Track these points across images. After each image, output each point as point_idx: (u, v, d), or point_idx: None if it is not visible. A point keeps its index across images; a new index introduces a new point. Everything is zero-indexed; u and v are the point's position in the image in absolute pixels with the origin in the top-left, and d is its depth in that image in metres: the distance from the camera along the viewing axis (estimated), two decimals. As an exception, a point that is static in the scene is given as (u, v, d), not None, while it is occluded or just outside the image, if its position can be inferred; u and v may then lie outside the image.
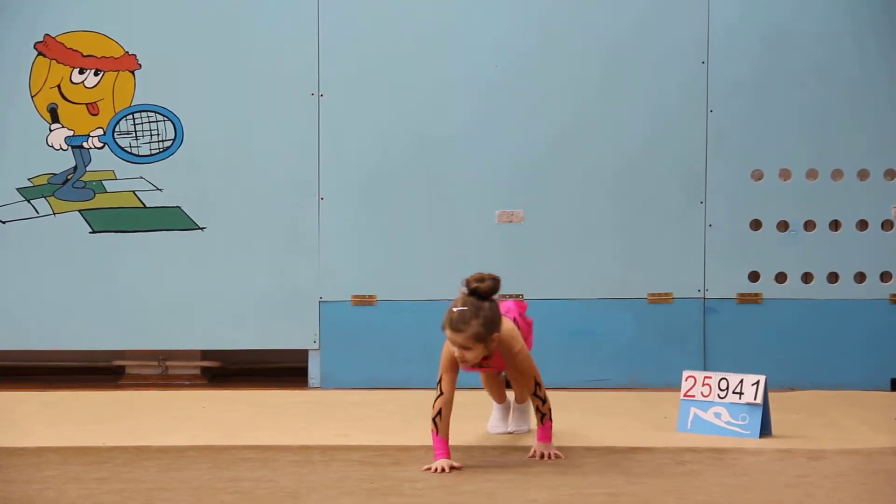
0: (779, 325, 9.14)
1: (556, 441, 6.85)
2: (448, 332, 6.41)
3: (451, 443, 6.55)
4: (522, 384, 6.75)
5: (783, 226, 9.18)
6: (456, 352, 6.40)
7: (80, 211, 9.15)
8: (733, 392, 7.40)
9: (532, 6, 9.13)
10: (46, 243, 9.14)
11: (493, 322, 6.44)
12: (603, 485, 6.12)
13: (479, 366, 6.64)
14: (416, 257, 9.16)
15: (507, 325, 6.58)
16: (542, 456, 6.38)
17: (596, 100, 9.13)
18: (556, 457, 6.41)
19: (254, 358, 9.67)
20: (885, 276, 9.15)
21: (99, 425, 7.72)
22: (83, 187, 9.13)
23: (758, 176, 9.16)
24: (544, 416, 6.47)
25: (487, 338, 6.42)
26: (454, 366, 6.50)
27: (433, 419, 6.49)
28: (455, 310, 6.38)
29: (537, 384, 6.52)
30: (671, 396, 8.25)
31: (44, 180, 9.13)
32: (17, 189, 9.13)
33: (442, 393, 6.49)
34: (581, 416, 8.00)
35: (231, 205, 9.16)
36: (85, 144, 9.12)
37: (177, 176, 9.14)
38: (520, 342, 6.61)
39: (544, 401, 6.47)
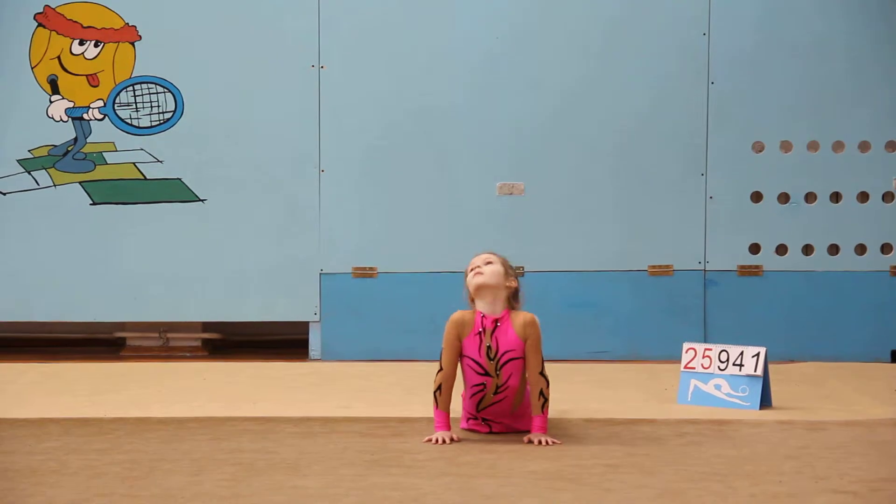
0: (779, 297, 9.15)
1: (556, 413, 6.87)
2: (474, 259, 6.56)
3: (452, 415, 6.56)
4: (532, 363, 6.59)
5: (784, 198, 9.18)
6: (478, 268, 6.50)
7: (80, 182, 9.14)
8: (733, 364, 7.40)
9: (533, -23, 9.13)
10: (47, 215, 9.14)
11: (514, 272, 6.60)
12: (603, 456, 6.13)
13: (494, 397, 6.53)
14: (416, 229, 9.16)
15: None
16: (538, 443, 6.37)
17: (597, 72, 9.12)
18: (553, 444, 6.39)
19: (254, 330, 9.68)
20: (885, 248, 9.15)
21: (100, 396, 7.73)
22: (83, 159, 9.13)
23: (759, 148, 9.16)
24: (545, 402, 6.43)
25: (508, 268, 6.55)
26: (455, 343, 6.49)
27: (434, 393, 6.50)
28: None
29: (543, 364, 6.49)
30: (672, 368, 8.26)
31: (44, 152, 9.12)
32: (18, 160, 9.12)
33: (442, 368, 6.50)
34: (582, 388, 8.01)
35: (231, 177, 9.16)
36: (85, 116, 9.11)
37: (177, 148, 9.14)
38: (537, 326, 6.53)
39: (548, 383, 6.45)
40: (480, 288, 6.49)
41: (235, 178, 9.15)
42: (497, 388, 6.47)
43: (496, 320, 6.45)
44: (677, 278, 9.16)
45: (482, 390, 6.49)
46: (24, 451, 6.21)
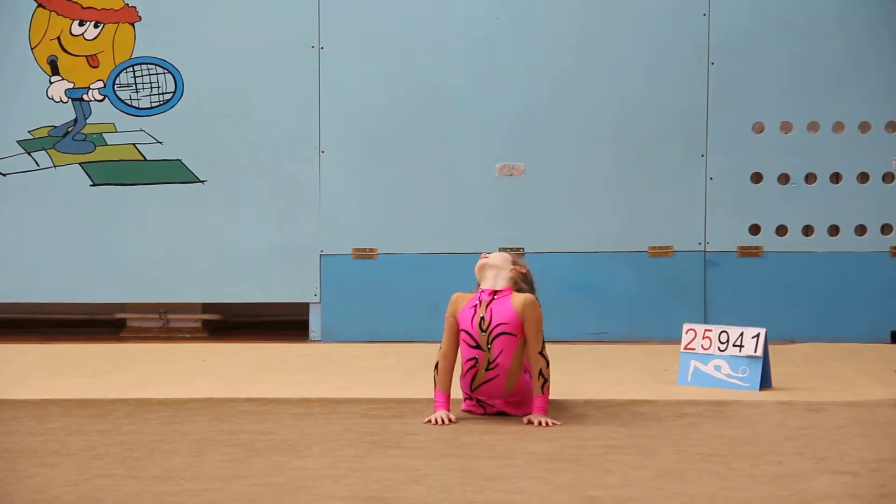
0: (779, 278, 9.15)
1: (556, 394, 6.87)
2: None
3: (454, 397, 6.58)
4: (532, 343, 6.61)
5: (784, 179, 9.17)
6: (486, 254, 6.70)
7: (80, 163, 9.14)
8: (733, 345, 7.40)
9: (533, -42, 9.11)
10: (47, 196, 9.14)
11: (524, 264, 6.74)
12: (603, 437, 6.14)
13: (486, 374, 6.55)
14: (416, 210, 9.16)
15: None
16: (538, 423, 6.38)
17: (597, 53, 9.11)
18: (553, 425, 6.40)
19: (254, 311, 9.68)
20: (885, 229, 9.15)
21: (100, 378, 7.74)
22: (83, 140, 9.12)
23: (759, 129, 9.15)
24: (545, 382, 6.45)
25: (518, 259, 6.70)
26: (451, 320, 6.54)
27: (433, 371, 6.54)
28: None
29: (544, 344, 6.50)
30: (671, 349, 8.26)
31: (44, 133, 9.11)
32: (18, 141, 9.11)
33: (441, 348, 6.55)
34: (582, 369, 8.01)
35: (231, 158, 9.15)
36: (85, 97, 9.10)
37: (177, 129, 9.13)
38: (538, 307, 6.57)
39: (548, 363, 6.47)
40: (483, 267, 6.60)
41: (235, 159, 9.15)
42: (488, 363, 6.48)
43: (495, 292, 6.50)
44: (677, 259, 9.16)
45: (474, 366, 6.51)
46: (24, 432, 6.22)
